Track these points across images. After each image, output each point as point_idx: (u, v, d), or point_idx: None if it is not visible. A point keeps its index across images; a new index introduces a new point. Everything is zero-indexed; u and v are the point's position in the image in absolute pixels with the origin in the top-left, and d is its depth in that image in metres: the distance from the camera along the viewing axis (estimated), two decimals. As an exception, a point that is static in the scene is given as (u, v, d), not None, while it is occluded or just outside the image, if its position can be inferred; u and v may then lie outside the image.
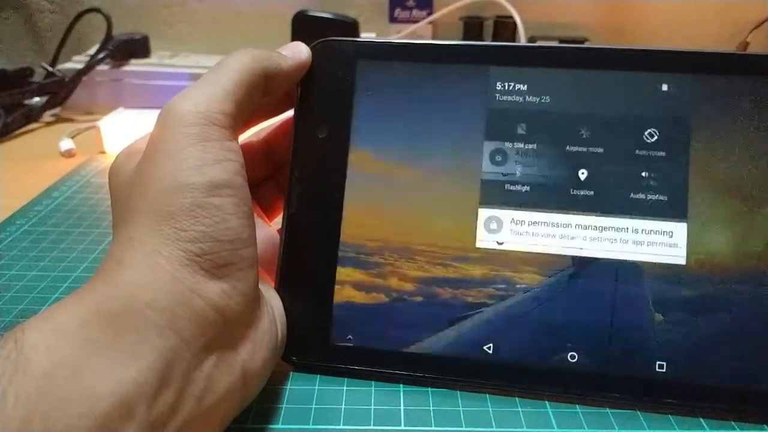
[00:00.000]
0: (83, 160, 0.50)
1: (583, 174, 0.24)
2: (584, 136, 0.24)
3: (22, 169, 0.48)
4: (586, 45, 0.54)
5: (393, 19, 0.70)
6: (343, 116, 0.25)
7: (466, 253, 0.24)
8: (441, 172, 0.25)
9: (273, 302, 0.23)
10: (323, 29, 0.60)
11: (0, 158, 0.51)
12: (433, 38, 0.70)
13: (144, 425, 0.16)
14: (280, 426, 0.22)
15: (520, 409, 0.23)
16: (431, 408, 0.23)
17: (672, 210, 0.23)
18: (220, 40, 0.74)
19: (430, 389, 0.24)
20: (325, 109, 0.26)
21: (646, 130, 0.24)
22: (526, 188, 0.24)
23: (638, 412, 0.23)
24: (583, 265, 0.24)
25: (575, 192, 0.24)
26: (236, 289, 0.20)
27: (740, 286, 0.23)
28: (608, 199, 0.24)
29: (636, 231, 0.23)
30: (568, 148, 0.24)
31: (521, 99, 0.25)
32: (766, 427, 0.22)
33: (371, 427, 0.22)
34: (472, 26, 0.69)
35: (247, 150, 0.24)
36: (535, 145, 0.24)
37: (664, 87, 0.24)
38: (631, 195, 0.24)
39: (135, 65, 0.63)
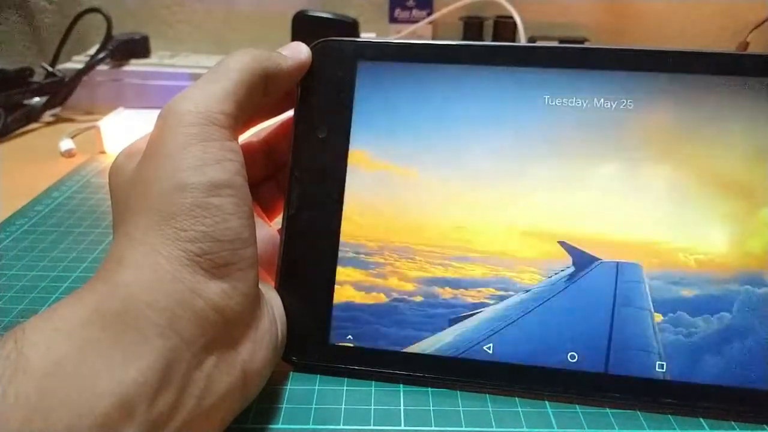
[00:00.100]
0: (83, 160, 0.50)
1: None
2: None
3: (22, 169, 0.48)
4: (586, 45, 0.54)
5: (393, 19, 0.70)
6: (343, 116, 0.25)
7: (466, 253, 0.24)
8: (441, 171, 0.25)
9: (273, 302, 0.23)
10: (323, 29, 0.60)
11: (0, 158, 0.51)
12: (433, 38, 0.70)
13: (144, 425, 0.16)
14: (280, 426, 0.22)
15: (520, 409, 0.23)
16: (431, 408, 0.23)
17: None
18: (220, 40, 0.74)
19: (430, 389, 0.24)
20: (325, 109, 0.26)
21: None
22: (526, 188, 0.24)
23: (638, 412, 0.23)
24: (583, 264, 0.24)
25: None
26: (236, 289, 0.20)
27: (740, 286, 0.23)
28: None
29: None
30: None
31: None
32: (765, 427, 0.22)
33: (371, 427, 0.22)
34: (472, 26, 0.69)
35: (247, 150, 0.24)
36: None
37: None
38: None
39: (135, 65, 0.63)
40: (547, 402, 0.23)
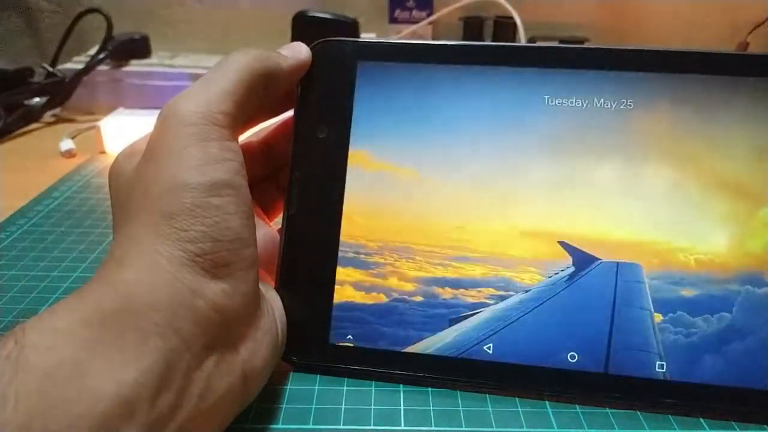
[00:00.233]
0: (83, 161, 0.50)
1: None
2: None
3: (22, 169, 0.48)
4: (586, 45, 0.54)
5: (393, 20, 0.70)
6: (343, 116, 0.25)
7: (466, 253, 0.24)
8: (441, 171, 0.25)
9: (273, 302, 0.23)
10: (323, 29, 0.60)
11: (0, 158, 0.51)
12: (433, 38, 0.70)
13: (144, 425, 0.16)
14: (280, 426, 0.22)
15: (520, 409, 0.23)
16: (431, 408, 0.23)
17: None
18: (220, 40, 0.74)
19: (430, 389, 0.24)
20: (325, 109, 0.26)
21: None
22: (526, 188, 0.24)
23: (638, 412, 0.23)
24: (583, 264, 0.24)
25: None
26: (236, 289, 0.20)
27: (740, 286, 0.23)
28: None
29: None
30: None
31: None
32: (766, 427, 0.22)
33: (371, 427, 0.22)
34: (472, 26, 0.69)
35: (247, 150, 0.24)
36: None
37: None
38: None
39: (135, 65, 0.63)
40: (547, 402, 0.23)
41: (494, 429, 0.22)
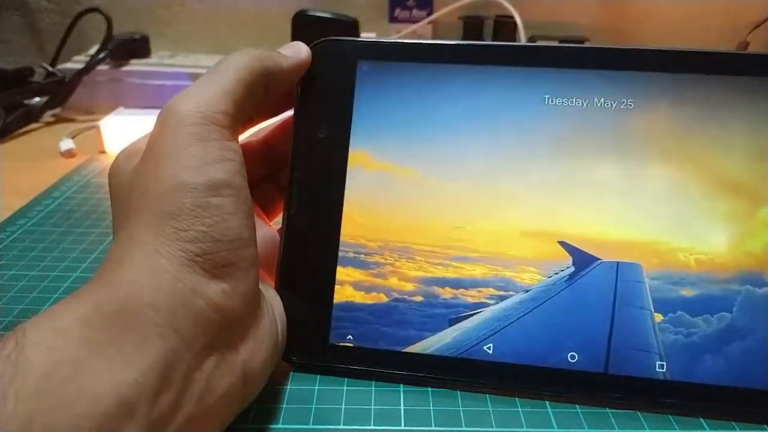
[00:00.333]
0: (83, 160, 0.50)
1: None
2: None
3: (22, 169, 0.48)
4: (586, 45, 0.54)
5: (393, 19, 0.70)
6: (343, 116, 0.25)
7: (466, 253, 0.24)
8: (441, 171, 0.25)
9: (273, 302, 0.23)
10: (323, 29, 0.60)
11: (0, 158, 0.51)
12: (433, 38, 0.70)
13: (144, 425, 0.16)
14: (280, 426, 0.22)
15: (520, 409, 0.23)
16: (431, 408, 0.23)
17: None
18: (220, 40, 0.74)
19: (430, 389, 0.24)
20: (325, 109, 0.26)
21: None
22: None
23: (638, 412, 0.23)
24: (583, 264, 0.24)
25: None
26: (237, 289, 0.20)
27: (740, 286, 0.23)
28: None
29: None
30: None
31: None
32: (766, 427, 0.22)
33: (371, 427, 0.22)
34: (472, 26, 0.69)
35: (247, 150, 0.24)
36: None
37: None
38: None
39: (135, 65, 0.63)
40: (547, 402, 0.23)
41: (494, 429, 0.22)
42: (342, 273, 0.25)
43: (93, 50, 0.63)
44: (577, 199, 0.24)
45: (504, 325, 0.24)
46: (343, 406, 0.23)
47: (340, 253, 0.25)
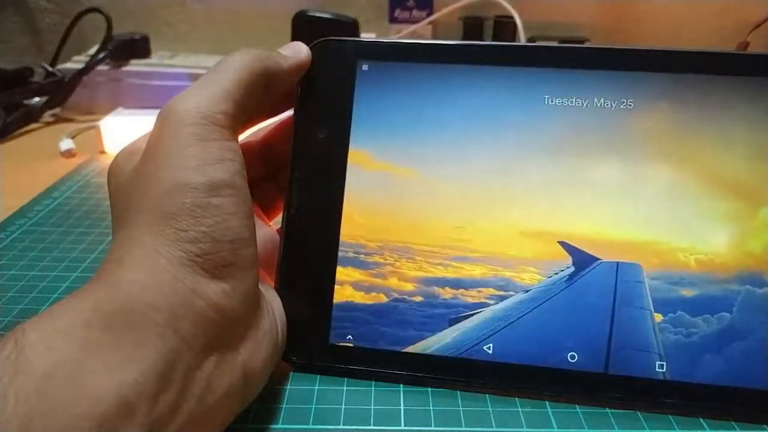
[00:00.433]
0: (83, 160, 0.50)
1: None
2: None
3: (22, 169, 0.48)
4: (586, 45, 0.54)
5: (393, 20, 0.70)
6: (343, 116, 0.25)
7: (466, 253, 0.24)
8: (441, 171, 0.25)
9: (273, 302, 0.23)
10: (323, 29, 0.60)
11: (0, 158, 0.51)
12: (433, 38, 0.70)
13: (144, 426, 0.16)
14: (280, 426, 0.22)
15: (520, 409, 0.23)
16: (431, 408, 0.23)
17: None
18: (220, 40, 0.74)
19: (430, 389, 0.24)
20: (325, 109, 0.26)
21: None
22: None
23: (638, 412, 0.23)
24: (583, 264, 0.24)
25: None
26: (237, 289, 0.20)
27: (740, 286, 0.23)
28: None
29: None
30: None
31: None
32: (765, 427, 0.22)
33: (371, 427, 0.22)
34: (472, 26, 0.69)
35: (247, 150, 0.24)
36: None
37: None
38: None
39: (135, 65, 0.63)
40: (547, 402, 0.23)
41: (494, 429, 0.22)
42: (342, 273, 0.25)
43: (93, 50, 0.63)
44: (577, 199, 0.24)
45: (504, 325, 0.24)
46: (343, 406, 0.23)
47: (340, 253, 0.25)
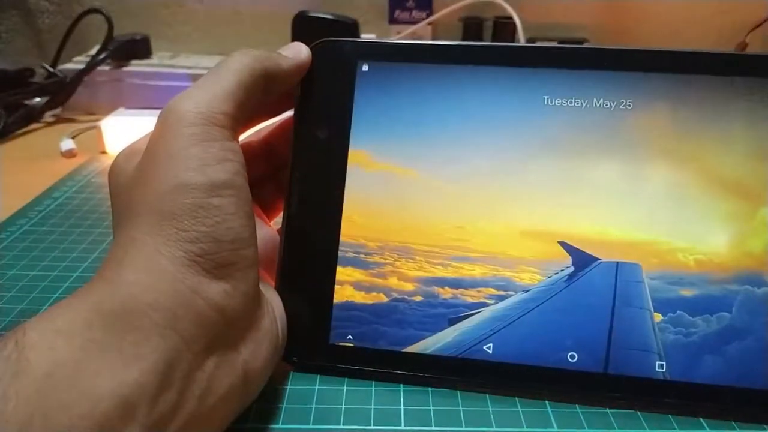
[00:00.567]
0: (84, 160, 0.50)
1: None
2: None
3: (22, 169, 0.48)
4: (586, 45, 0.54)
5: (393, 20, 0.70)
6: (343, 116, 0.25)
7: (466, 253, 0.24)
8: (441, 171, 0.25)
9: (273, 302, 0.23)
10: (323, 29, 0.60)
11: (1, 158, 0.51)
12: (433, 39, 0.70)
13: (145, 426, 0.16)
14: (280, 426, 0.22)
15: (520, 409, 0.23)
16: (431, 408, 0.23)
17: None
18: (220, 40, 0.74)
19: (430, 389, 0.24)
20: (325, 109, 0.26)
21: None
22: (525, 188, 0.24)
23: (638, 412, 0.23)
24: (582, 264, 0.24)
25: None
26: (237, 289, 0.20)
27: (740, 286, 0.23)
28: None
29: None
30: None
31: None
32: (766, 427, 0.22)
33: (371, 427, 0.22)
34: (471, 27, 0.69)
35: (247, 150, 0.24)
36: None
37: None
38: None
39: (136, 66, 0.63)
40: (547, 402, 0.23)
41: (494, 429, 0.22)
42: (342, 273, 0.25)
43: (94, 51, 0.63)
44: (577, 199, 0.24)
45: (504, 325, 0.24)
46: (343, 406, 0.23)
47: (340, 253, 0.25)
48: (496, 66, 0.25)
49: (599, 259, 0.24)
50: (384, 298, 0.25)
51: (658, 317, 0.23)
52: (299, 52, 0.25)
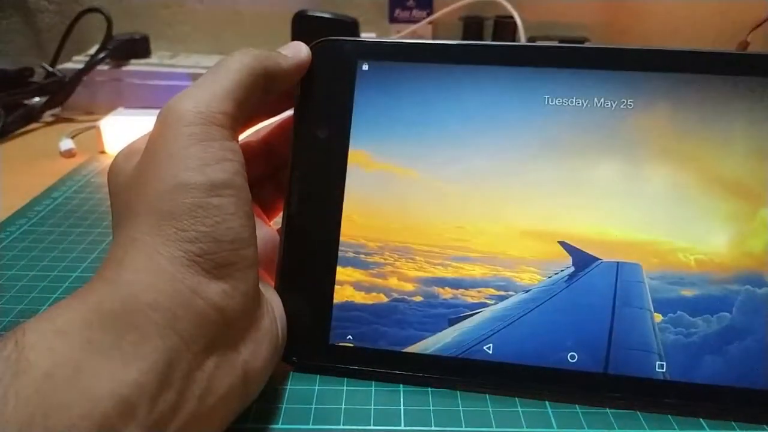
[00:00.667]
0: (83, 160, 0.50)
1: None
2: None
3: (22, 169, 0.48)
4: (586, 45, 0.54)
5: (393, 19, 0.70)
6: (343, 116, 0.25)
7: (466, 253, 0.24)
8: (441, 171, 0.25)
9: (273, 302, 0.23)
10: (323, 29, 0.60)
11: (0, 158, 0.51)
12: (433, 38, 0.70)
13: (145, 425, 0.16)
14: (280, 426, 0.22)
15: (520, 409, 0.23)
16: (431, 408, 0.23)
17: None
18: (220, 40, 0.74)
19: (430, 389, 0.24)
20: (325, 109, 0.26)
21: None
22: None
23: (638, 412, 0.23)
24: (583, 264, 0.24)
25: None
26: (237, 289, 0.20)
27: (740, 286, 0.23)
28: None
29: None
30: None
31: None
32: (766, 427, 0.22)
33: (371, 427, 0.22)
34: (472, 26, 0.69)
35: (247, 150, 0.24)
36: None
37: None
38: None
39: (135, 65, 0.63)
40: (547, 402, 0.23)
41: (494, 429, 0.22)
42: (342, 273, 0.25)
43: (93, 50, 0.63)
44: (577, 199, 0.24)
45: (504, 325, 0.24)
46: (343, 406, 0.23)
47: (340, 253, 0.25)
48: (497, 65, 0.25)
49: (599, 259, 0.24)
50: (384, 299, 0.25)
51: (658, 317, 0.23)
52: (299, 51, 0.25)
